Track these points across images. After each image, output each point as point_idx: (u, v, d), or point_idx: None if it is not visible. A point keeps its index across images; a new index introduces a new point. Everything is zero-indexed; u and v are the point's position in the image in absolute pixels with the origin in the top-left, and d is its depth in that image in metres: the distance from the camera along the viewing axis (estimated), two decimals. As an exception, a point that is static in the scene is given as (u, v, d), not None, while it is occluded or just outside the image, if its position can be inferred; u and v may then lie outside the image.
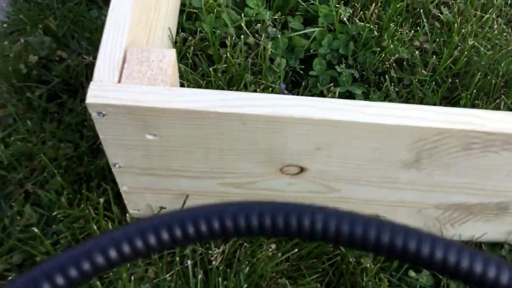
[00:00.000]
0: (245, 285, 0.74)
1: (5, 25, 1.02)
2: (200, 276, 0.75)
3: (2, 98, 0.93)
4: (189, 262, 0.75)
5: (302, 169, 0.65)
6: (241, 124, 0.57)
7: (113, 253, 0.27)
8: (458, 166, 0.62)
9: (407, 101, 0.94)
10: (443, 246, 0.27)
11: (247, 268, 0.75)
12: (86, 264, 0.26)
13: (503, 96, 0.92)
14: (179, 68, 0.93)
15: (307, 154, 0.62)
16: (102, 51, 0.58)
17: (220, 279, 0.75)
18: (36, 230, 0.76)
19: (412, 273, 0.79)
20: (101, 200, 0.74)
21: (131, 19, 0.60)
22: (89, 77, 0.94)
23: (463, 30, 0.98)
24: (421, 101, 0.93)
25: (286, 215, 0.27)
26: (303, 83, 0.96)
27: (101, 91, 0.56)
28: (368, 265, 0.76)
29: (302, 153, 0.62)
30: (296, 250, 0.78)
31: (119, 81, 0.57)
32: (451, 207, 0.72)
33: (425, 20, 1.01)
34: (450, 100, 0.95)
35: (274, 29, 0.98)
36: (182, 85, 0.93)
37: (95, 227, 0.75)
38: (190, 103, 0.56)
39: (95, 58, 0.95)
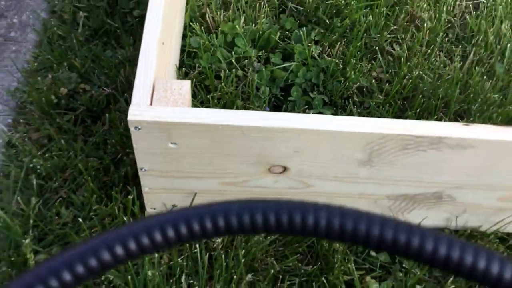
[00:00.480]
0: (242, 264, 0.94)
1: (35, 63, 1.23)
2: (206, 257, 0.95)
3: (36, 123, 1.13)
4: (197, 247, 0.95)
5: (285, 169, 0.87)
6: (240, 134, 0.79)
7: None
8: (400, 163, 0.84)
9: (367, 120, 1.17)
10: (446, 243, 0.27)
11: (243, 251, 0.95)
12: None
13: (442, 114, 1.15)
14: (183, 96, 1.15)
15: (288, 156, 0.84)
16: (138, 83, 0.79)
17: (221, 261, 0.95)
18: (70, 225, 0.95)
19: (373, 253, 1.00)
20: (130, 197, 0.94)
21: (156, 61, 0.82)
22: (111, 103, 1.15)
23: (409, 63, 1.22)
24: (379, 120, 1.15)
25: (289, 213, 0.28)
26: (284, 107, 1.19)
27: (138, 111, 0.77)
28: (338, 246, 0.97)
29: (284, 155, 0.83)
30: (281, 237, 0.99)
31: (151, 104, 0.78)
32: (399, 197, 0.93)
33: (380, 55, 1.25)
34: (401, 116, 1.18)
35: (259, 64, 1.21)
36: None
37: (124, 218, 0.95)
38: (203, 119, 0.77)
39: (113, 89, 1.16)
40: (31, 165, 1.05)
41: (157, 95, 0.79)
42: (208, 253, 0.97)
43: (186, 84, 0.80)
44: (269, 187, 0.91)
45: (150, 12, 0.87)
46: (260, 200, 0.29)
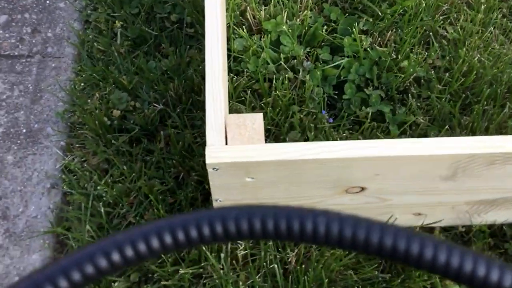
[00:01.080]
0: (323, 277, 0.94)
1: (79, 81, 1.20)
2: (281, 271, 0.95)
3: (92, 146, 1.11)
4: (274, 264, 0.95)
5: (362, 188, 0.85)
6: (318, 165, 0.76)
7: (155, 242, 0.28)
8: (485, 176, 0.81)
9: (427, 112, 1.13)
10: (446, 250, 0.27)
11: (320, 265, 0.95)
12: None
13: (507, 102, 1.11)
14: (235, 106, 1.12)
15: (367, 179, 0.81)
16: (209, 123, 0.76)
17: (299, 275, 0.95)
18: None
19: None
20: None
21: (223, 95, 0.78)
22: (164, 120, 1.13)
23: (466, 46, 1.16)
24: (439, 112, 1.12)
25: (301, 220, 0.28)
26: (338, 106, 1.15)
27: (215, 153, 0.74)
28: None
29: (363, 178, 0.81)
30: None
31: (226, 143, 0.76)
32: (478, 202, 0.91)
33: (433, 39, 1.20)
34: (464, 107, 1.14)
35: (309, 63, 1.16)
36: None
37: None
38: (281, 155, 0.74)
39: (164, 105, 1.13)
40: (95, 193, 1.04)
41: (231, 132, 0.76)
42: (283, 269, 0.97)
43: (259, 118, 0.77)
44: (345, 204, 0.90)
45: (209, 41, 0.83)
46: (254, 206, 0.29)
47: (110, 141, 1.11)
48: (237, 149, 0.75)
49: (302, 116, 1.12)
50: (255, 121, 0.77)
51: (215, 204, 0.88)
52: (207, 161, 0.74)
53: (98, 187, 1.04)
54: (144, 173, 1.06)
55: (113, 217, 1.04)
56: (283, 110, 1.12)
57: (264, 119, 1.11)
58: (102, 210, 1.01)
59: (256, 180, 0.80)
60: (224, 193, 0.84)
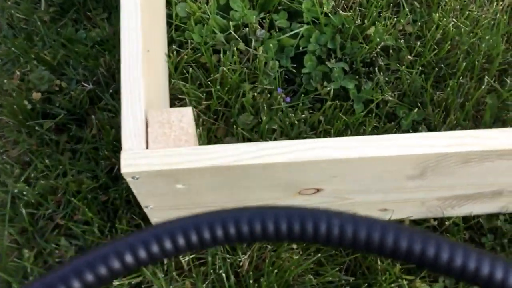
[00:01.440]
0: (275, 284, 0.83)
1: (0, 59, 1.03)
2: (232, 279, 0.83)
3: (13, 135, 0.96)
4: (222, 270, 0.83)
5: (318, 190, 0.72)
6: (262, 170, 0.63)
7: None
8: (458, 174, 0.69)
9: (396, 87, 1.00)
10: (462, 253, 0.27)
11: (275, 271, 0.83)
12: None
13: (485, 75, 0.98)
14: (178, 85, 0.97)
15: (323, 181, 0.69)
16: (125, 121, 0.62)
17: (251, 281, 0.83)
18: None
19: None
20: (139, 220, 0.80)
21: (144, 83, 0.64)
22: (95, 102, 0.97)
23: (442, 7, 1.02)
24: (410, 86, 0.98)
25: (301, 221, 0.28)
26: (297, 81, 1.01)
27: (133, 159, 0.60)
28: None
29: (318, 181, 0.68)
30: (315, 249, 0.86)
31: (147, 147, 0.62)
32: (451, 197, 0.79)
33: (404, 1, 1.05)
34: (438, 81, 1.01)
35: (262, 31, 1.01)
36: (183, 100, 0.97)
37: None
38: (216, 160, 0.61)
39: (94, 84, 0.98)
40: (15, 190, 0.90)
41: (153, 133, 0.62)
42: (234, 274, 0.85)
43: (187, 113, 0.63)
44: (300, 204, 0.77)
45: (125, 12, 0.67)
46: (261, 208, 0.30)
47: (34, 128, 0.95)
48: (160, 154, 0.61)
49: (255, 94, 0.97)
50: (183, 117, 0.63)
51: (146, 211, 0.74)
52: (122, 170, 0.60)
53: (18, 184, 0.89)
54: (72, 165, 0.92)
55: (39, 218, 0.90)
56: (233, 87, 0.98)
57: (211, 99, 0.97)
58: (24, 212, 0.87)
59: (190, 187, 0.67)
60: (153, 201, 0.70)
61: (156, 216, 0.77)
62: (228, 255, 0.86)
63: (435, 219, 0.89)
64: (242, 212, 0.29)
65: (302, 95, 0.99)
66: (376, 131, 0.95)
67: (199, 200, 0.71)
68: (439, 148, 0.62)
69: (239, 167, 0.61)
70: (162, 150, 0.61)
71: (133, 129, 0.62)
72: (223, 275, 0.83)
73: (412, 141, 0.62)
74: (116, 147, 0.92)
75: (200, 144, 0.76)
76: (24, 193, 0.89)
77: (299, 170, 0.64)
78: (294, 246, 0.86)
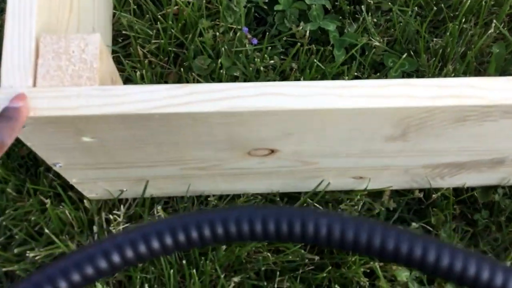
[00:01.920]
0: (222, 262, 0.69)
1: None
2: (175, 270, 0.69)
3: None
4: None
5: (272, 151, 0.57)
6: (193, 122, 0.48)
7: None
8: (449, 135, 0.53)
9: (386, 31, 0.83)
10: (449, 254, 0.27)
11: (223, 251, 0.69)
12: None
13: (494, 19, 0.81)
14: (122, 19, 0.80)
15: (276, 139, 0.53)
16: (8, 43, 0.46)
17: (196, 255, 0.70)
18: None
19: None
20: (60, 191, 0.66)
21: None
22: None
23: None
24: (403, 30, 0.82)
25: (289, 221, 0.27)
26: (269, 21, 0.84)
27: (13, 100, 0.45)
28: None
29: (270, 138, 0.53)
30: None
31: (35, 84, 0.46)
32: (441, 165, 0.64)
33: None
34: (436, 25, 0.84)
35: (229, -43, 0.84)
36: (128, 38, 0.81)
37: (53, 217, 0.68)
38: (126, 105, 0.45)
39: None
40: None
41: (44, 66, 0.46)
42: (177, 267, 0.71)
43: (93, 40, 0.47)
44: (252, 168, 0.62)
45: None
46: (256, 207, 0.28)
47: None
48: (50, 95, 0.45)
49: (216, 34, 0.81)
50: (87, 46, 0.47)
51: (58, 171, 0.59)
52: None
53: None
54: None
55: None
56: (189, 24, 0.81)
57: (162, 38, 0.80)
58: None
59: (102, 141, 0.52)
60: (60, 157, 0.55)
61: (72, 176, 0.62)
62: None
63: (420, 190, 0.75)
64: (231, 212, 0.28)
65: (274, 37, 0.83)
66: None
67: (119, 158, 0.56)
68: (426, 101, 0.46)
69: (158, 117, 0.46)
70: (54, 88, 0.46)
71: (17, 58, 0.46)
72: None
73: (390, 90, 0.46)
74: None
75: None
76: None
77: (241, 123, 0.49)
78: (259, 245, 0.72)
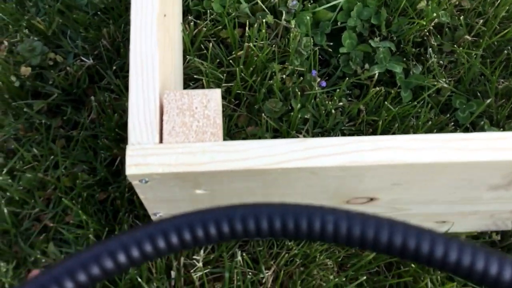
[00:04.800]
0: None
1: (-17, 25, 0.88)
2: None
3: (-3, 116, 0.81)
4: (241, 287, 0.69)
5: (372, 199, 0.57)
6: (310, 175, 0.48)
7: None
8: (554, 185, 0.54)
9: (450, 73, 0.85)
10: (466, 250, 0.26)
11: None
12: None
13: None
14: (193, 62, 0.82)
15: (381, 189, 0.54)
16: (133, 103, 0.47)
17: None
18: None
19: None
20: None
21: (159, 57, 0.49)
22: (95, 80, 0.82)
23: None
24: (467, 73, 0.83)
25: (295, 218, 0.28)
26: (333, 62, 0.86)
27: (142, 156, 0.46)
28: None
29: (375, 188, 0.54)
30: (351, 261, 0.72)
31: (161, 141, 0.47)
32: (528, 210, 0.65)
33: (461, -28, 0.89)
34: (498, 64, 0.86)
35: (295, 2, 0.86)
36: (199, 81, 0.82)
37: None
38: (251, 161, 0.46)
39: (95, 59, 0.83)
40: (-3, 184, 0.75)
41: (170, 122, 0.47)
42: (256, 294, 0.71)
43: (215, 96, 0.48)
44: (342, 214, 0.63)
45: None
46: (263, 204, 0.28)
47: (22, 110, 0.81)
48: (177, 151, 0.46)
49: (284, 77, 0.82)
50: (209, 102, 0.48)
51: (153, 217, 0.60)
52: (128, 171, 0.45)
53: (0, 177, 0.75)
54: (65, 155, 0.77)
55: (22, 219, 0.76)
56: (259, 68, 0.83)
57: (232, 81, 0.82)
58: (6, 210, 0.73)
59: (213, 192, 0.52)
60: (165, 207, 0.56)
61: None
62: (249, 270, 0.71)
63: (497, 232, 0.75)
64: (237, 210, 0.29)
65: (339, 79, 0.84)
66: (427, 124, 0.80)
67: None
68: (545, 153, 0.47)
69: (280, 171, 0.47)
70: (181, 145, 0.46)
71: (143, 116, 0.47)
72: (245, 293, 0.69)
73: (508, 142, 0.47)
74: (119, 136, 0.77)
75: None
76: (7, 187, 0.75)
77: (355, 176, 0.50)
78: (329, 262, 0.72)
